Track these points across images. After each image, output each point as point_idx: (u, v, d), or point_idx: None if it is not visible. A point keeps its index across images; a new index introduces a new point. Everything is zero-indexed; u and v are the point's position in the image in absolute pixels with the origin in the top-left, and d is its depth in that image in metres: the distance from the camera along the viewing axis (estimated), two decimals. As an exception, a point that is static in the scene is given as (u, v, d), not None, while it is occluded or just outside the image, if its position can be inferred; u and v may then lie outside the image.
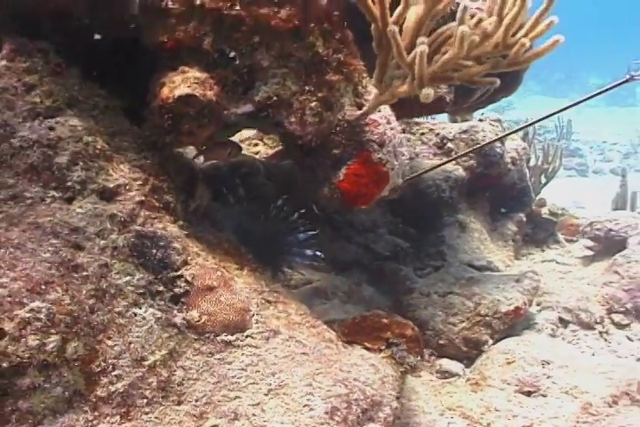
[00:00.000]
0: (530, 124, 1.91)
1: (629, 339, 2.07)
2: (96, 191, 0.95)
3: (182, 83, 1.04)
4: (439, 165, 2.11)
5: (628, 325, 2.13)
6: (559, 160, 3.14)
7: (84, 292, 0.86)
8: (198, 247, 1.11)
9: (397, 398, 1.22)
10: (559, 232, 2.96)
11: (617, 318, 2.17)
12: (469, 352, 1.85)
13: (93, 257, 0.90)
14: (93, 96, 1.04)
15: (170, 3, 1.06)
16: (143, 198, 1.00)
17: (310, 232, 1.52)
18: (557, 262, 2.62)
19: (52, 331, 0.79)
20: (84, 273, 0.87)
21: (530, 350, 1.71)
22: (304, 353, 1.10)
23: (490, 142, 2.24)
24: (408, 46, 1.03)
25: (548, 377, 1.64)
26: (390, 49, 1.03)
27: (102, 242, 0.92)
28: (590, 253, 2.60)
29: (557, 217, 2.73)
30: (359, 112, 1.11)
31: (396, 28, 0.96)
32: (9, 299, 0.77)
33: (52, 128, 0.95)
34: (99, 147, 0.98)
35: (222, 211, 1.45)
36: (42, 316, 0.79)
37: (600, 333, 2.07)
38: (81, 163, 0.95)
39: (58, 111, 0.98)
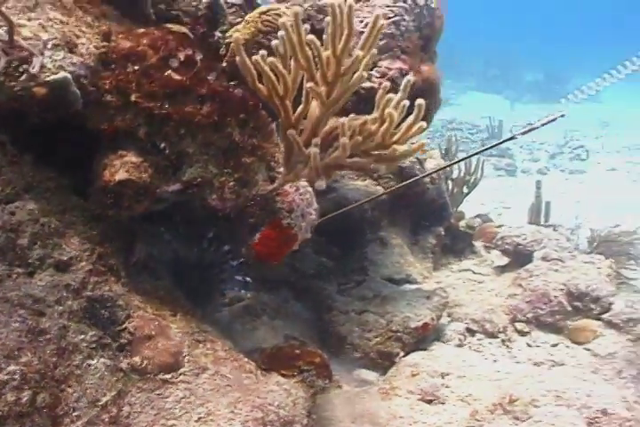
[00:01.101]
0: (454, 163, 2.27)
1: (529, 345, 2.51)
2: (53, 265, 1.24)
3: (121, 167, 1.34)
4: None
5: (528, 332, 2.57)
6: (480, 171, 3.56)
7: (48, 351, 1.16)
8: (138, 299, 1.41)
9: (308, 415, 1.58)
10: (479, 239, 3.40)
11: (519, 326, 2.60)
12: (383, 363, 2.23)
13: (54, 321, 1.20)
14: (45, 180, 1.32)
15: (109, 97, 1.35)
16: (91, 267, 1.30)
17: (241, 259, 1.84)
18: (473, 272, 3.05)
19: (25, 387, 1.09)
20: (47, 336, 1.17)
21: (432, 364, 2.10)
22: (228, 385, 1.43)
23: (432, 173, 2.63)
24: (309, 137, 1.37)
25: (447, 387, 2.03)
26: (294, 139, 1.36)
27: (60, 308, 1.22)
28: (502, 262, 3.04)
29: (474, 229, 3.15)
30: (271, 187, 1.43)
31: (294, 132, 1.29)
32: (-9, 364, 1.07)
33: (12, 213, 1.23)
34: (53, 226, 1.27)
35: (159, 246, 1.75)
36: (17, 377, 1.08)
37: (503, 340, 2.50)
38: (39, 242, 1.24)
39: (16, 197, 1.26)
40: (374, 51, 1.34)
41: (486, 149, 2.14)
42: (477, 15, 24.07)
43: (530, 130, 1.98)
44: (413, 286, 2.69)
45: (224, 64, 2.06)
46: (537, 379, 1.83)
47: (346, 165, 1.32)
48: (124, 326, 1.32)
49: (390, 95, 1.34)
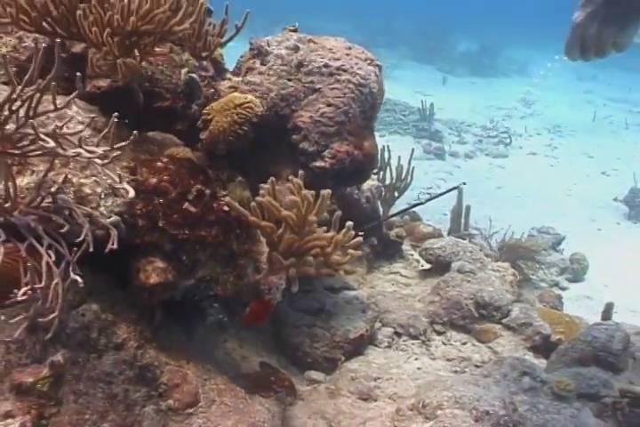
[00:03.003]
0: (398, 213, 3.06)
1: (444, 343, 3.42)
2: (113, 347, 1.97)
3: (153, 272, 2.05)
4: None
5: (444, 332, 3.49)
6: (410, 177, 4.37)
7: (120, 408, 1.92)
8: (164, 356, 2.16)
9: (282, 423, 2.41)
10: (408, 237, 4.28)
11: (437, 327, 3.52)
12: (328, 366, 3.08)
13: (120, 387, 1.94)
14: (99, 282, 2.02)
15: (141, 221, 2.04)
16: (137, 343, 2.04)
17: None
18: (401, 275, 3.92)
19: (113, 434, 1.86)
20: (118, 398, 1.92)
21: (367, 370, 2.97)
22: (230, 411, 2.23)
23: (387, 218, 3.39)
24: (286, 251, 2.12)
25: (378, 388, 2.91)
26: (276, 247, 2.11)
27: (122, 377, 1.96)
28: (426, 266, 3.93)
29: (402, 239, 4.01)
30: (258, 277, 2.20)
31: (277, 254, 2.04)
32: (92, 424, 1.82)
33: (83, 315, 1.94)
34: (110, 319, 1.99)
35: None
36: (109, 429, 1.85)
37: (423, 341, 3.40)
38: (103, 333, 1.96)
39: (83, 301, 1.96)
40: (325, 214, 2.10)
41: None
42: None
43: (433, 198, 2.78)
44: (351, 293, 3.53)
45: (202, 137, 2.74)
46: (444, 385, 2.72)
47: (312, 274, 2.10)
48: (160, 380, 2.08)
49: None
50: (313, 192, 2.20)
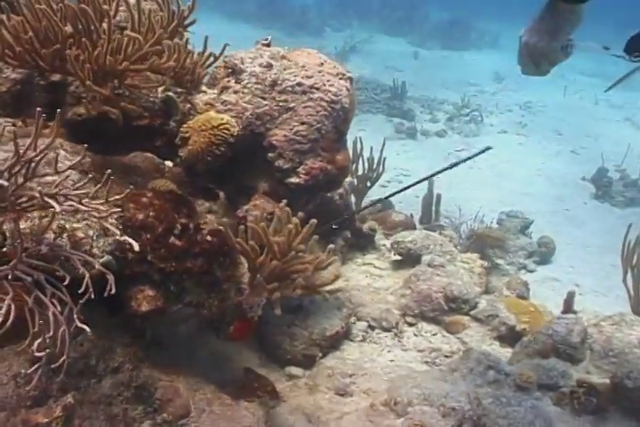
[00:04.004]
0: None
1: (415, 335, 3.75)
2: (110, 371, 2.22)
3: (143, 300, 2.29)
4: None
5: (415, 324, 3.81)
6: (381, 166, 4.61)
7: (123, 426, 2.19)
8: (157, 373, 2.43)
9: (266, 424, 2.72)
10: (380, 226, 4.56)
11: (409, 319, 3.83)
12: (306, 362, 3.39)
13: (120, 407, 2.21)
14: (94, 311, 2.26)
15: (130, 254, 2.27)
16: (132, 365, 2.29)
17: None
18: (374, 266, 4.21)
19: (116, 451, 2.14)
20: (118, 418, 2.19)
21: (343, 367, 3.28)
22: (219, 418, 2.52)
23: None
24: (269, 275, 2.37)
25: (354, 383, 3.23)
26: (257, 273, 2.37)
27: (121, 398, 2.22)
28: (398, 258, 4.23)
29: (375, 231, 4.28)
30: (240, 298, 2.46)
31: (261, 279, 2.30)
32: (97, 443, 2.09)
33: (82, 344, 2.19)
34: (106, 346, 2.23)
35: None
36: (112, 447, 2.13)
37: (395, 333, 3.72)
38: (101, 359, 2.20)
39: (80, 332, 2.20)
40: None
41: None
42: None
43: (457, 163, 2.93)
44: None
45: (180, 154, 2.95)
46: (414, 382, 3.04)
47: (294, 295, 2.37)
48: (155, 396, 2.35)
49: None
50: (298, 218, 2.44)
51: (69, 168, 1.89)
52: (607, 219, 6.52)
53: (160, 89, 2.88)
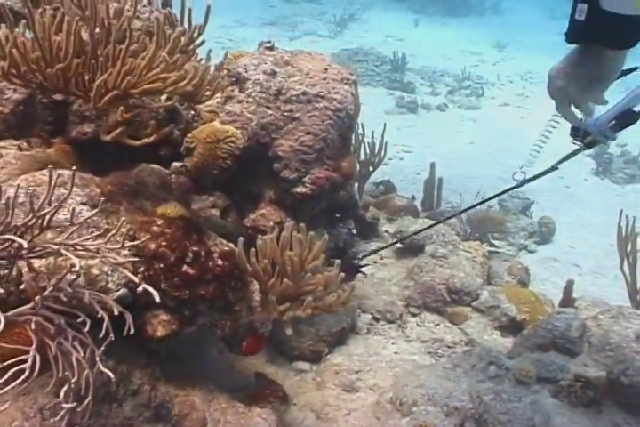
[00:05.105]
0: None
1: (418, 325, 3.90)
2: (130, 394, 2.35)
3: (158, 324, 2.40)
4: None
5: (419, 314, 3.95)
6: (383, 151, 4.66)
7: (142, 447, 2.34)
8: (172, 388, 2.56)
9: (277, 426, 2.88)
10: (383, 210, 4.65)
11: (412, 309, 3.97)
12: (314, 358, 3.54)
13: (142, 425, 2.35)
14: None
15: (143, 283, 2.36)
16: (150, 387, 2.42)
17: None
18: (377, 254, 4.31)
19: (139, 471, 2.29)
20: (139, 438, 2.34)
21: (349, 364, 3.43)
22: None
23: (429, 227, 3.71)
24: (280, 297, 2.47)
25: (360, 380, 3.39)
26: (268, 294, 2.47)
27: (141, 418, 2.36)
28: (401, 245, 4.33)
29: (378, 220, 4.37)
30: (252, 318, 2.57)
31: (273, 300, 2.40)
32: (121, 465, 2.24)
33: (102, 372, 2.30)
34: (125, 371, 2.35)
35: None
36: (135, 468, 2.27)
37: (399, 325, 3.87)
38: (121, 384, 2.33)
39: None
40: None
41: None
42: None
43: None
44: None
45: (187, 164, 3.00)
46: (418, 381, 3.19)
47: (306, 316, 2.47)
48: (173, 413, 2.49)
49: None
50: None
51: (85, 218, 1.94)
52: (607, 196, 6.58)
53: (163, 98, 2.90)
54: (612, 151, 7.51)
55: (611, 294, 3.83)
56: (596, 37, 1.66)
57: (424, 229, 3.58)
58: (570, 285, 3.99)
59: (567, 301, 3.95)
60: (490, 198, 2.94)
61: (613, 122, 1.94)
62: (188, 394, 2.62)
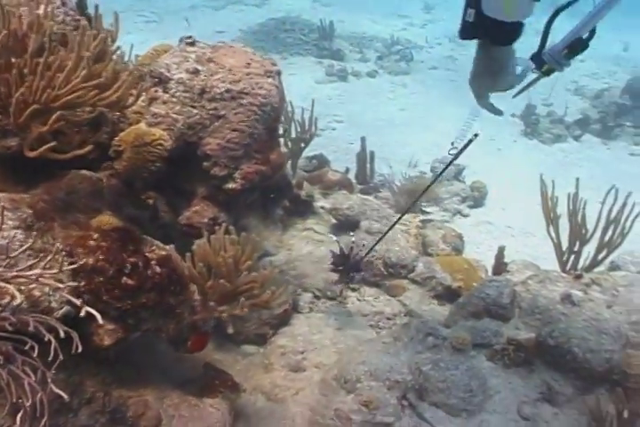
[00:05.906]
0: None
1: (359, 300, 4.11)
2: (85, 403, 2.48)
3: (105, 334, 2.52)
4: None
5: (358, 289, 4.16)
6: (314, 127, 4.77)
7: (100, 451, 2.49)
8: (125, 390, 2.70)
9: (230, 414, 3.07)
10: (317, 185, 4.80)
11: (352, 285, 4.18)
12: (259, 341, 3.73)
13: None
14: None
15: (86, 297, 2.47)
16: (103, 393, 2.56)
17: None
18: (315, 231, 4.48)
19: (99, 474, 2.45)
20: (97, 443, 2.49)
21: (294, 345, 3.63)
22: (188, 420, 2.85)
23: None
24: (219, 298, 2.62)
25: (305, 359, 3.59)
26: (207, 295, 2.61)
27: (98, 425, 2.50)
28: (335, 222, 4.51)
29: (313, 198, 4.52)
30: (194, 318, 2.71)
31: (212, 302, 2.55)
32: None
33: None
34: (77, 381, 2.48)
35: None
36: (95, 472, 2.43)
37: (340, 301, 4.07)
38: (75, 395, 2.46)
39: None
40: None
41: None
42: None
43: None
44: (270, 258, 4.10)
45: (116, 167, 3.07)
46: (360, 358, 3.42)
47: (244, 313, 2.63)
48: (128, 414, 2.65)
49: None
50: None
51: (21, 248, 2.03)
52: (536, 156, 6.87)
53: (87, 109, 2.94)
54: (539, 111, 7.78)
55: (541, 252, 4.08)
56: (482, 35, 2.02)
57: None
58: (501, 251, 4.24)
59: (499, 266, 4.21)
60: (440, 174, 3.18)
61: (566, 50, 2.15)
62: (141, 394, 2.76)
